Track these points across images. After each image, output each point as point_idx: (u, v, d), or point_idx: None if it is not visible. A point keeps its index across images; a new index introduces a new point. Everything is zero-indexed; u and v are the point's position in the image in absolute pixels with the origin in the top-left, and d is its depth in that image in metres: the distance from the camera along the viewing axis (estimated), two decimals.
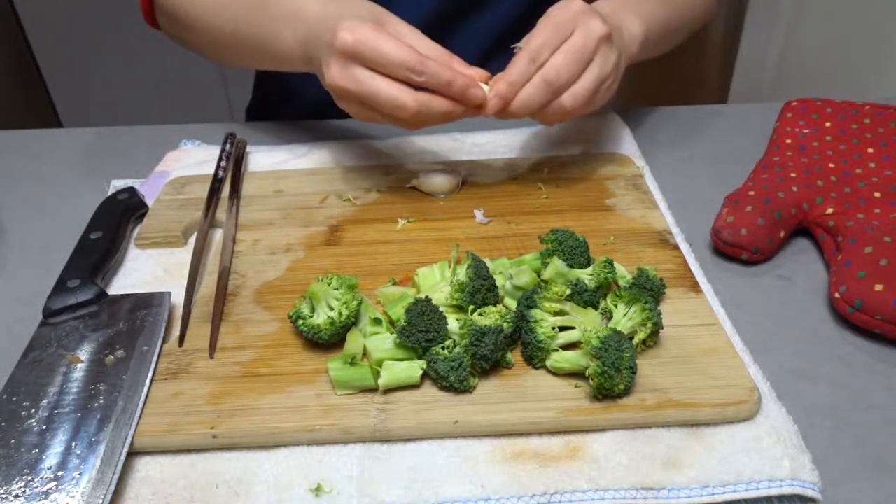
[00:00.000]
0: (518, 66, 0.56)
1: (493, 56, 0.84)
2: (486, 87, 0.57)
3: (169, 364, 0.48)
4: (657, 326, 0.47)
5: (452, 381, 0.45)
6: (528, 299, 0.48)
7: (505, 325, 0.47)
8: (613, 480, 0.41)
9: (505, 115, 0.57)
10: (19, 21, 1.87)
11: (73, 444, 0.42)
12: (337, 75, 0.56)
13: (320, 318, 0.49)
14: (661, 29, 0.70)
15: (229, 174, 0.68)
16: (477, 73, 0.58)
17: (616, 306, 0.50)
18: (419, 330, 0.46)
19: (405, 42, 0.55)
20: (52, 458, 0.42)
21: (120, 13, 1.81)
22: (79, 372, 0.47)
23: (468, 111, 0.57)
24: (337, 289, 0.50)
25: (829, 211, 0.60)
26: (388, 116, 0.56)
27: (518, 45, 0.57)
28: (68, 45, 1.89)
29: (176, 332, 0.51)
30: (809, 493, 0.40)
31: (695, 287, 0.54)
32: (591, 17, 0.57)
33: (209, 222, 0.62)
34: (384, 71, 0.55)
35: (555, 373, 0.47)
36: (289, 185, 0.67)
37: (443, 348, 0.46)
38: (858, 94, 0.74)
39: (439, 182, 0.65)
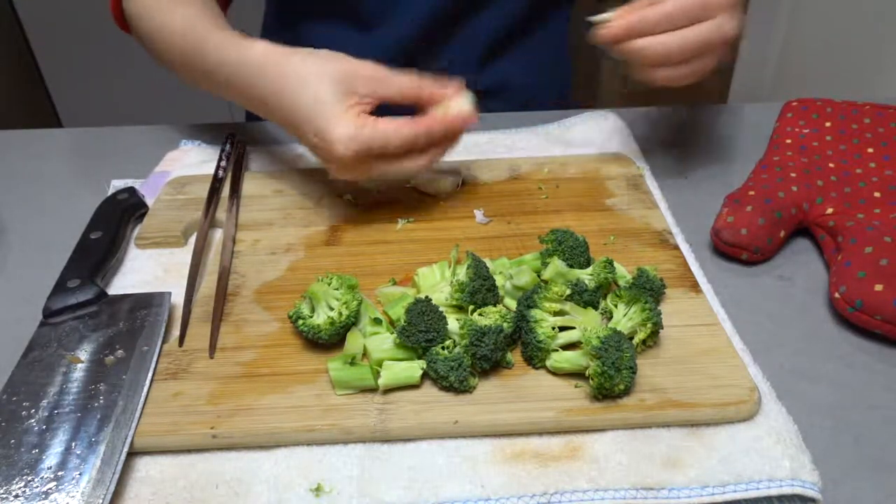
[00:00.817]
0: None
1: (494, 56, 0.84)
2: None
3: (169, 364, 0.48)
4: (657, 326, 0.47)
5: (452, 381, 0.45)
6: (528, 299, 0.48)
7: (505, 325, 0.47)
8: (613, 480, 0.41)
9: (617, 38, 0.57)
10: (19, 21, 1.87)
11: (73, 444, 0.42)
12: (348, 175, 0.58)
13: (320, 318, 0.49)
14: None
15: (229, 174, 0.68)
16: (451, 88, 0.59)
17: (616, 306, 0.50)
18: (419, 330, 0.46)
19: (388, 126, 0.55)
20: (52, 458, 0.42)
21: None
22: (79, 372, 0.47)
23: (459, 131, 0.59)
24: (337, 289, 0.50)
25: (829, 211, 0.60)
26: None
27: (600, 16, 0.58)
28: (68, 45, 1.89)
29: (176, 332, 0.51)
30: (809, 493, 0.40)
31: (695, 287, 0.54)
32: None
33: (209, 222, 0.62)
34: (389, 153, 0.56)
35: (555, 373, 0.47)
36: (289, 185, 0.67)
37: (443, 348, 0.46)
38: (858, 94, 0.74)
39: (439, 182, 0.65)
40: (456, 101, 0.58)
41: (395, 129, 0.55)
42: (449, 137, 0.59)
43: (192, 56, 0.65)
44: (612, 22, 0.57)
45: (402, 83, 0.57)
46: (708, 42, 0.57)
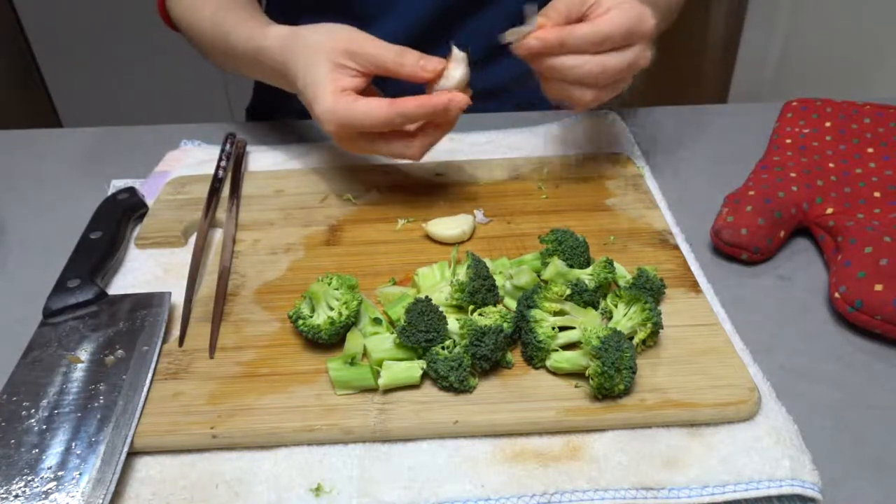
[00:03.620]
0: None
1: (494, 56, 0.84)
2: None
3: (169, 364, 0.48)
4: (657, 326, 0.47)
5: (452, 381, 0.45)
6: (528, 299, 0.48)
7: (505, 325, 0.47)
8: (613, 480, 0.41)
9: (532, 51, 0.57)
10: (19, 21, 1.87)
11: (73, 444, 0.42)
12: (347, 148, 0.60)
13: (320, 318, 0.49)
14: (659, 17, 0.70)
15: (229, 174, 0.68)
16: (439, 62, 0.58)
17: (616, 306, 0.50)
18: (419, 330, 0.46)
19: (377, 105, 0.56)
20: (52, 458, 0.42)
21: (120, 13, 1.81)
22: (79, 372, 0.47)
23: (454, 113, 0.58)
24: (337, 289, 0.50)
25: (829, 211, 0.60)
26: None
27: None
28: (68, 45, 1.89)
29: (176, 332, 0.51)
30: (809, 493, 0.40)
31: (695, 287, 0.54)
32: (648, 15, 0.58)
33: (209, 222, 0.62)
34: (376, 131, 0.58)
35: (555, 373, 0.47)
36: (289, 185, 0.67)
37: (443, 348, 0.46)
38: (858, 94, 0.74)
39: (449, 233, 0.60)
40: (447, 79, 0.57)
41: (367, 110, 0.56)
42: (438, 121, 0.59)
43: (222, 48, 0.71)
44: (530, 37, 0.56)
45: (385, 57, 0.57)
46: (628, 69, 0.58)
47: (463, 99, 0.57)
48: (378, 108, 0.56)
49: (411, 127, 0.59)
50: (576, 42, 0.56)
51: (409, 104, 0.56)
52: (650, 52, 0.59)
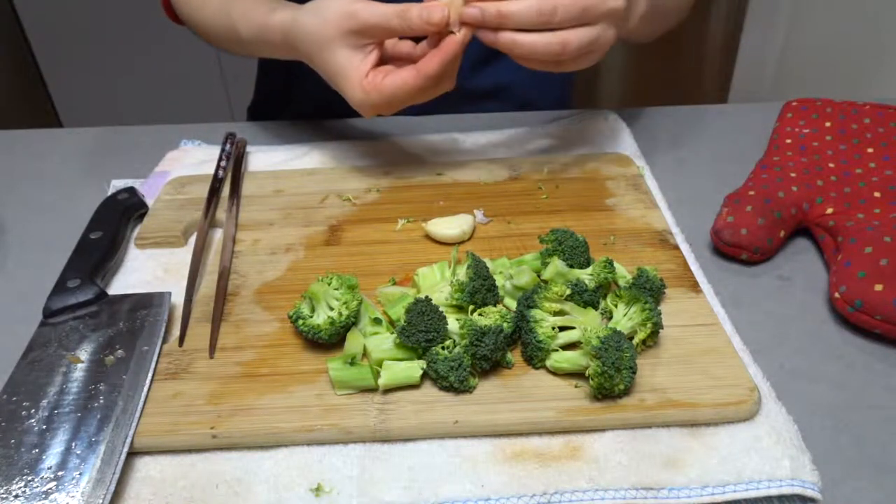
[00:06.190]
0: None
1: (494, 56, 0.84)
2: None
3: (169, 364, 0.48)
4: (657, 326, 0.47)
5: (452, 381, 0.45)
6: (528, 299, 0.48)
7: (505, 325, 0.47)
8: (613, 480, 0.41)
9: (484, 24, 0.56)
10: (19, 21, 1.86)
11: (73, 444, 0.42)
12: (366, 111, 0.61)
13: (320, 318, 0.49)
14: (655, 9, 0.70)
15: (229, 174, 0.68)
16: (440, 8, 0.57)
17: (616, 306, 0.50)
18: (419, 330, 0.46)
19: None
20: (52, 458, 0.42)
21: (120, 13, 1.81)
22: (79, 372, 0.47)
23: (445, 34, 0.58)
24: (337, 289, 0.50)
25: (829, 211, 0.60)
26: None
27: None
28: (68, 45, 1.89)
29: (176, 332, 0.51)
30: (809, 493, 0.40)
31: (695, 287, 0.54)
32: None
33: (209, 222, 0.62)
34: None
35: (555, 373, 0.47)
36: (289, 185, 0.67)
37: (443, 348, 0.46)
38: (858, 94, 0.74)
39: (449, 232, 0.60)
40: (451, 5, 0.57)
41: (397, 87, 0.57)
42: (454, 59, 0.58)
43: (232, 38, 0.71)
44: (469, 5, 0.56)
45: (391, 23, 0.57)
46: (588, 47, 0.57)
47: (467, 32, 0.57)
48: (406, 82, 0.57)
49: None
50: (514, 18, 0.55)
51: (433, 65, 0.57)
52: (612, 29, 0.58)
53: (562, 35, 0.56)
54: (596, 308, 0.50)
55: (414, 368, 0.46)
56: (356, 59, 0.59)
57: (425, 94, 0.59)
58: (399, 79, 0.57)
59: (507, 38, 0.56)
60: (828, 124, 0.68)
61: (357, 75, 0.59)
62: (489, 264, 0.53)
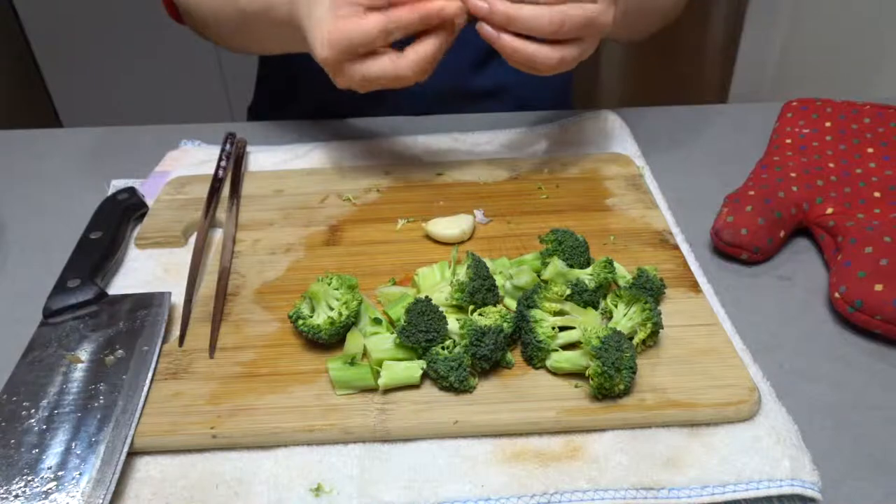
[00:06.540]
0: None
1: (494, 56, 0.84)
2: None
3: (169, 364, 0.48)
4: (657, 326, 0.47)
5: (452, 381, 0.45)
6: (528, 299, 0.48)
7: (505, 325, 0.47)
8: (613, 480, 0.41)
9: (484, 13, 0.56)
10: (19, 21, 1.86)
11: (73, 444, 0.42)
12: (337, 80, 0.58)
13: (320, 318, 0.49)
14: (636, 8, 0.69)
15: (229, 174, 0.68)
16: None
17: (616, 306, 0.50)
18: (419, 330, 0.46)
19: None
20: (52, 458, 0.42)
21: (120, 13, 1.81)
22: (79, 372, 0.47)
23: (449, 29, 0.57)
24: (337, 289, 0.50)
25: (829, 211, 0.60)
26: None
27: None
28: (68, 45, 1.89)
29: (176, 332, 0.51)
30: (809, 493, 0.40)
31: (695, 287, 0.54)
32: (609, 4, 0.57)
33: (209, 222, 0.62)
34: (370, 50, 0.55)
35: (555, 373, 0.47)
36: (289, 185, 0.67)
37: (443, 348, 0.46)
38: (858, 94, 0.74)
39: (449, 232, 0.60)
40: None
41: (359, 23, 0.54)
42: (433, 24, 0.56)
43: (234, 19, 0.69)
44: None
45: None
46: (588, 24, 0.55)
47: (455, 5, 0.55)
48: (369, 20, 0.54)
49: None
50: (528, 17, 0.54)
51: (403, 10, 0.54)
52: (611, 11, 0.57)
53: (561, 50, 0.56)
54: (596, 308, 0.50)
55: (414, 368, 0.46)
56: (336, 7, 0.55)
57: (381, 54, 0.56)
58: (363, 18, 0.54)
59: (508, 43, 0.56)
60: (828, 124, 0.68)
61: (330, 18, 0.55)
62: (489, 264, 0.53)
